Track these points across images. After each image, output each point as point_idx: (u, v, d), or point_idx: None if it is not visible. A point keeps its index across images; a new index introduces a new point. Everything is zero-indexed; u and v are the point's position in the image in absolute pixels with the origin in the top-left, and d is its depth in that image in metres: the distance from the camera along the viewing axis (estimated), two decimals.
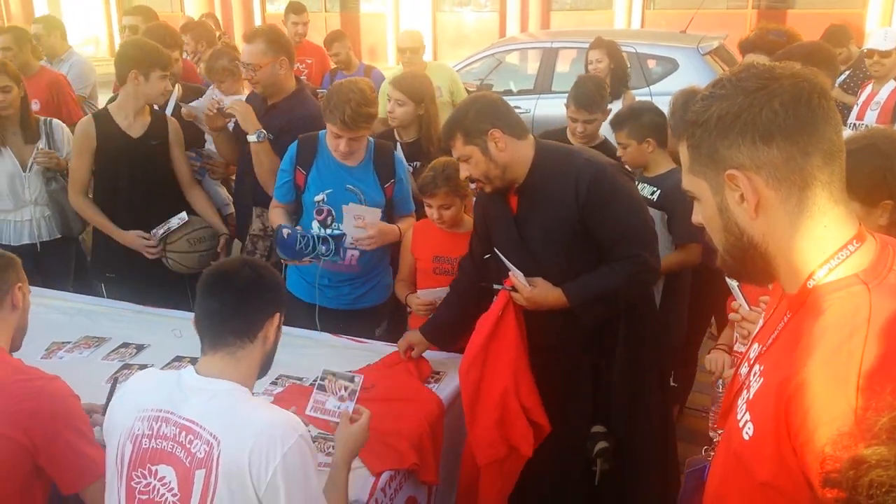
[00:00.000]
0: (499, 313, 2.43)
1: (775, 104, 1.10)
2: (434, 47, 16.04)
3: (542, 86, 7.47)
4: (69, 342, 2.95)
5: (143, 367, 2.74)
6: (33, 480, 1.95)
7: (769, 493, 1.11)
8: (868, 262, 1.10)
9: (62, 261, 3.84)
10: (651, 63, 7.10)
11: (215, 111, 3.49)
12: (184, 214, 3.45)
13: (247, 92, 4.62)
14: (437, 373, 2.70)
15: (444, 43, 16.29)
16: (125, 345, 2.94)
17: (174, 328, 3.05)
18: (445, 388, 2.57)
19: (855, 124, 4.74)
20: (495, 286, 2.50)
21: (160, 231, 3.40)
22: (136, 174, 3.50)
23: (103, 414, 2.18)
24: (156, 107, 3.65)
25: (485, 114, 2.45)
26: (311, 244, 2.92)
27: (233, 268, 1.79)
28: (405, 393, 2.47)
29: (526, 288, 2.42)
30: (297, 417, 1.72)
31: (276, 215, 3.19)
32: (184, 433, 1.64)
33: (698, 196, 1.22)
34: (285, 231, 2.95)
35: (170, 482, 1.63)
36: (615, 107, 4.05)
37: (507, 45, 8.86)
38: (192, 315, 3.08)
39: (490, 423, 2.39)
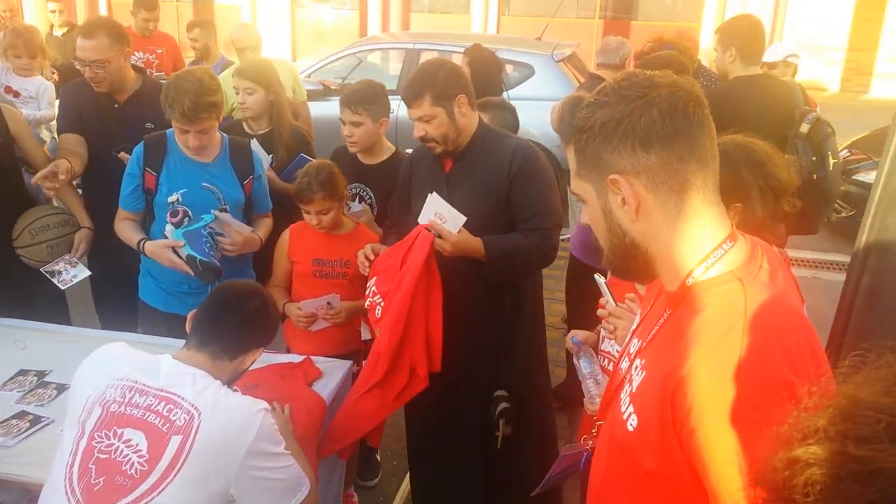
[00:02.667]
0: (423, 259, 2.44)
1: (654, 112, 1.16)
2: (293, 44, 15.73)
3: None
4: None
5: None
6: None
7: (653, 481, 1.17)
8: (741, 260, 1.18)
9: None
10: (509, 68, 7.31)
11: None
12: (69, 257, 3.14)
13: (39, 74, 4.35)
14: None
15: (302, 40, 15.99)
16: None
17: (17, 339, 2.82)
18: (325, 388, 2.54)
19: None
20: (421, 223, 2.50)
21: (71, 260, 3.12)
22: None
23: None
24: None
25: (454, 79, 2.59)
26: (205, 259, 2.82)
27: (248, 293, 1.99)
28: (290, 392, 2.41)
29: (453, 234, 2.45)
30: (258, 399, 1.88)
31: (128, 229, 2.97)
32: (163, 403, 1.76)
33: (584, 198, 1.27)
34: (191, 256, 2.79)
35: (137, 445, 1.73)
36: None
37: (368, 44, 8.83)
38: (38, 325, 2.89)
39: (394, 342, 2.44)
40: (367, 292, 2.59)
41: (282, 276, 3.03)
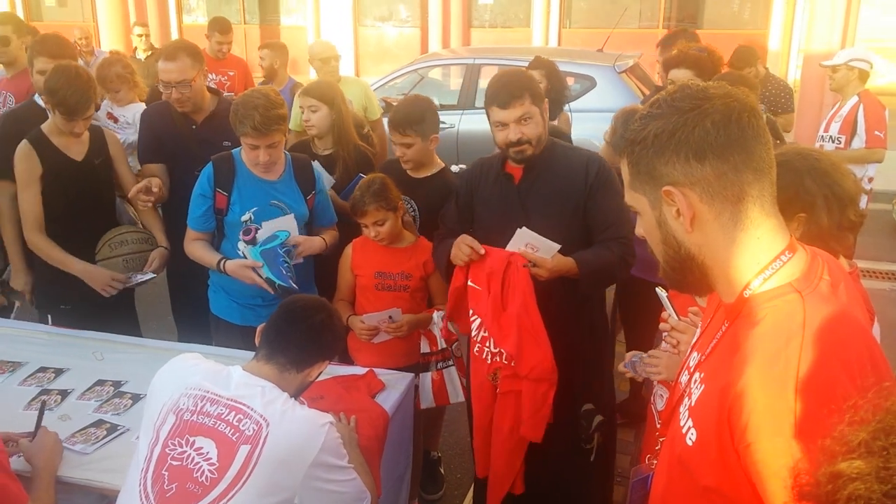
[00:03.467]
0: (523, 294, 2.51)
1: (707, 123, 1.15)
2: (356, 62, 16.01)
3: (466, 101, 7.56)
4: None
5: (62, 392, 2.63)
6: None
7: (712, 496, 1.15)
8: (800, 271, 1.16)
9: None
10: (570, 80, 7.29)
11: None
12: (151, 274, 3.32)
13: (138, 100, 4.51)
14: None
15: (365, 57, 16.27)
16: (42, 369, 2.81)
17: (94, 350, 2.95)
18: (388, 401, 2.57)
19: (822, 136, 5.19)
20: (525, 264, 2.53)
21: (144, 277, 3.28)
22: (79, 197, 3.28)
23: (32, 439, 2.20)
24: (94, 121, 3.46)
25: (539, 85, 2.75)
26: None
27: (314, 308, 2.05)
28: (354, 405, 2.45)
29: (548, 260, 2.50)
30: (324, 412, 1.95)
31: (202, 249, 3.06)
32: (232, 413, 1.82)
33: (639, 210, 1.27)
34: (269, 280, 2.89)
35: (208, 453, 1.79)
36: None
37: (429, 60, 8.93)
38: (115, 338, 3.02)
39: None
40: (473, 334, 2.68)
41: (346, 290, 3.09)
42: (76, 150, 3.27)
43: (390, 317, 2.90)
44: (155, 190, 3.28)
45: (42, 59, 3.50)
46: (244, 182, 3.01)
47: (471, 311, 2.65)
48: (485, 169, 2.80)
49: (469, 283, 2.63)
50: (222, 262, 2.97)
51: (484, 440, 2.72)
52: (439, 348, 2.96)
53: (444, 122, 7.85)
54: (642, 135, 1.20)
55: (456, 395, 3.00)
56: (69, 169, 3.23)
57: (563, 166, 2.69)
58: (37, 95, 3.50)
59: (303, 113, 3.52)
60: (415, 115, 3.15)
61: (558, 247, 2.50)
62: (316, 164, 3.31)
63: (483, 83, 7.66)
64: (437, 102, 8.22)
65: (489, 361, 2.61)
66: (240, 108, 2.85)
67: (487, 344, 2.60)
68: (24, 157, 3.17)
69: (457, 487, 3.58)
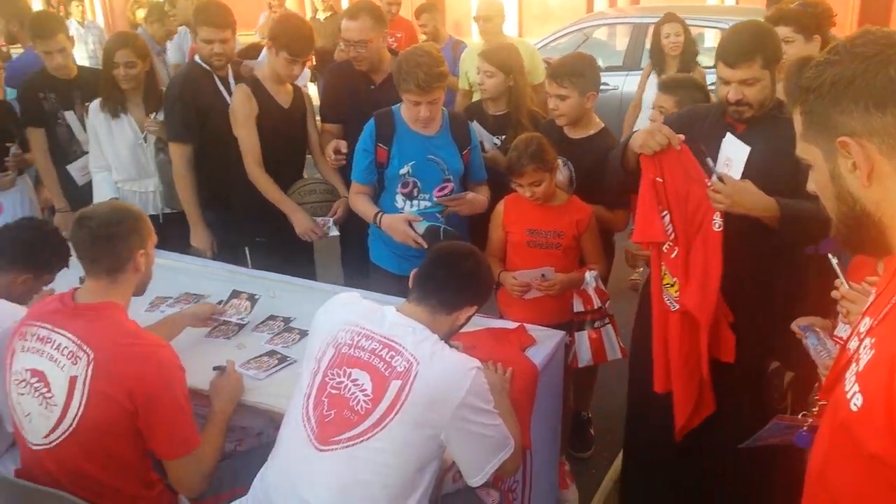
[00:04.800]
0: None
1: (891, 71, 1.08)
2: (519, 22, 15.86)
3: (632, 62, 7.31)
4: (171, 297, 3.11)
5: (239, 324, 2.88)
6: (135, 436, 2.06)
7: (877, 465, 1.09)
8: None
9: (180, 233, 3.78)
10: None
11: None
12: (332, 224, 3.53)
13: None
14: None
15: (529, 18, 16.06)
16: (220, 302, 3.07)
17: (268, 289, 3.18)
18: (537, 356, 2.60)
19: None
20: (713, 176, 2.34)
21: (328, 221, 3.50)
22: (279, 144, 3.53)
23: (221, 374, 2.41)
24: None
25: (779, 45, 2.51)
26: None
27: (464, 253, 2.12)
28: (505, 357, 2.50)
29: (735, 182, 2.31)
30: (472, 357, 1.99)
31: (364, 202, 3.21)
32: (385, 349, 1.92)
33: (811, 163, 1.21)
34: (433, 226, 3.00)
35: (363, 384, 1.90)
36: None
37: (595, 20, 8.70)
38: (287, 279, 3.25)
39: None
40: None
41: (496, 247, 3.13)
42: (283, 97, 3.53)
43: (543, 275, 2.92)
44: (344, 151, 3.48)
45: (206, 29, 3.59)
46: (403, 137, 3.12)
47: (660, 208, 2.45)
48: (699, 114, 2.62)
49: (657, 178, 2.43)
50: (379, 216, 3.11)
51: (661, 352, 2.57)
52: (595, 307, 2.94)
53: (606, 84, 7.67)
54: (818, 82, 1.14)
55: (614, 352, 2.98)
56: (277, 114, 3.50)
57: (786, 127, 2.48)
58: (197, 57, 3.69)
59: (478, 74, 3.55)
60: (574, 68, 3.10)
61: (748, 149, 2.29)
62: (476, 125, 3.37)
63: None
64: (601, 63, 8.05)
65: (671, 256, 2.45)
66: (403, 64, 2.93)
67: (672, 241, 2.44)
68: (245, 98, 3.44)
69: (606, 449, 3.58)
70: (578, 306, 2.96)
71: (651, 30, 7.33)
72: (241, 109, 3.45)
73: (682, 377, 2.50)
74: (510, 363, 2.46)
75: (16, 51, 6.05)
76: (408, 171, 3.10)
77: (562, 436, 3.05)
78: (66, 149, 4.00)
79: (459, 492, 2.18)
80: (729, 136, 2.36)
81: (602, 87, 7.78)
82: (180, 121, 3.57)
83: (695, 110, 2.70)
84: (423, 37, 6.22)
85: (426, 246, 2.98)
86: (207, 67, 3.60)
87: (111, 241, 2.13)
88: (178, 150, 3.62)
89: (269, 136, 3.49)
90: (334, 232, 3.50)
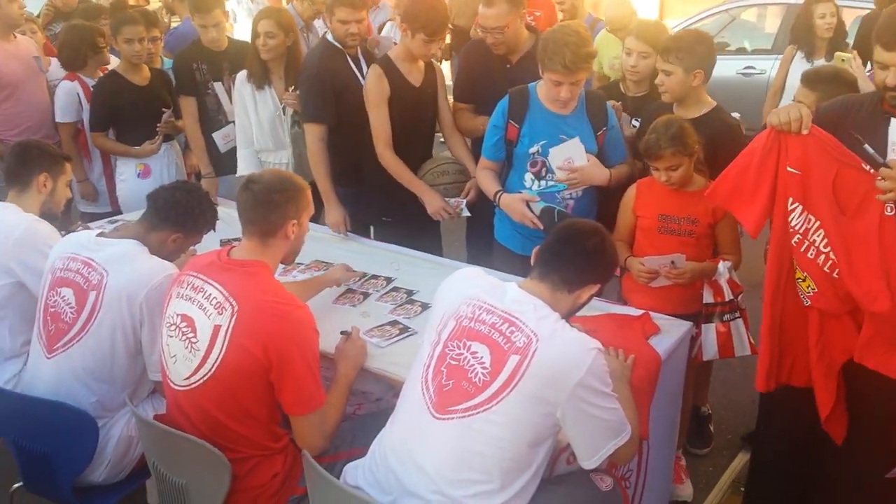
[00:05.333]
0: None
1: None
2: (661, 2, 15.30)
3: (783, 45, 6.89)
4: (302, 264, 3.24)
5: (364, 293, 2.99)
6: (267, 388, 2.16)
7: None
8: None
9: (315, 204, 3.86)
10: None
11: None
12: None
13: None
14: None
15: None
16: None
17: (393, 262, 3.27)
18: (661, 345, 2.53)
19: None
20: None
21: (461, 202, 3.47)
22: (411, 123, 3.53)
23: (346, 339, 2.52)
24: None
25: None
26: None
27: (589, 231, 2.09)
28: (627, 344, 2.45)
29: None
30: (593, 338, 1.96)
31: (488, 179, 3.20)
32: (506, 324, 1.93)
33: None
34: (548, 207, 2.98)
35: (482, 357, 1.92)
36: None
37: (743, 0, 8.27)
38: (412, 253, 3.32)
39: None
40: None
41: (624, 231, 3.05)
42: (415, 76, 3.53)
43: (672, 262, 2.82)
44: (481, 128, 3.41)
45: (344, 10, 3.59)
46: (536, 115, 3.08)
47: (790, 200, 2.28)
48: (853, 104, 2.45)
49: (788, 168, 2.27)
50: (498, 195, 3.10)
51: (771, 344, 2.40)
52: (726, 299, 2.81)
53: (752, 68, 7.30)
54: None
55: (743, 348, 2.84)
56: (408, 93, 3.51)
57: None
58: (329, 35, 3.70)
59: (629, 56, 3.43)
60: (683, 43, 2.97)
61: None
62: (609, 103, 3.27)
63: None
64: (747, 46, 7.69)
65: (811, 256, 2.27)
66: (549, 43, 2.87)
67: (812, 236, 2.25)
68: (377, 79, 3.46)
69: (725, 447, 3.45)
70: (708, 297, 2.83)
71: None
72: (374, 91, 3.47)
73: (820, 371, 2.34)
74: (632, 350, 2.40)
75: (175, 23, 6.45)
76: (537, 151, 3.06)
77: (680, 430, 2.98)
78: (212, 117, 4.23)
79: (573, 474, 2.15)
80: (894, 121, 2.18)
81: (747, 70, 7.47)
82: (317, 101, 3.59)
83: (849, 99, 2.51)
84: (561, 14, 6.11)
85: (541, 227, 2.95)
86: (339, 46, 3.64)
87: (268, 207, 2.23)
88: (312, 130, 3.62)
89: (400, 115, 3.51)
90: (466, 213, 3.49)
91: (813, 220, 2.24)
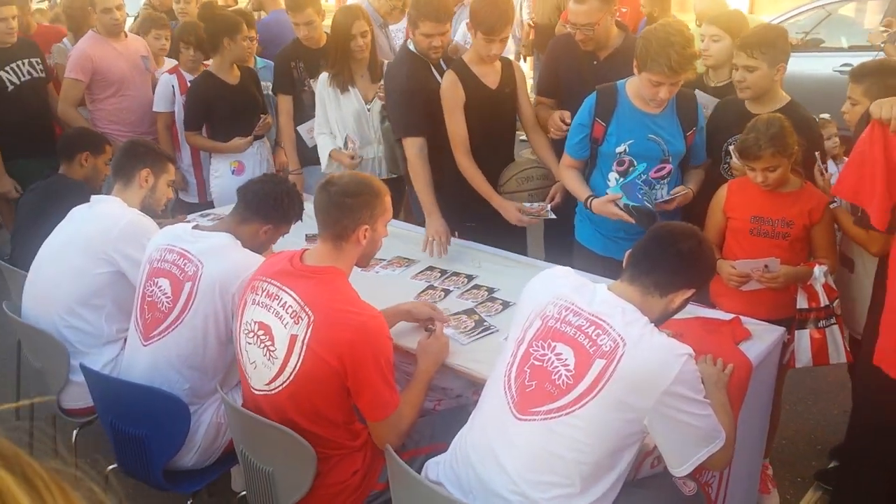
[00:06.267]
0: None
1: None
2: None
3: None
4: (385, 260, 3.28)
5: (445, 290, 2.99)
6: (343, 395, 2.18)
7: None
8: None
9: (396, 198, 3.78)
10: None
11: None
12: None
13: None
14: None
15: None
16: (430, 268, 3.22)
17: (474, 259, 3.28)
18: (752, 350, 2.45)
19: None
20: None
21: (546, 206, 3.38)
22: (490, 126, 3.46)
23: (429, 336, 2.50)
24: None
25: None
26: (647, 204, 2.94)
27: (684, 233, 2.03)
28: (717, 349, 2.37)
29: None
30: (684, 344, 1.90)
31: (575, 180, 3.12)
32: (592, 326, 1.89)
33: None
34: (640, 206, 2.93)
35: (566, 359, 1.88)
36: None
37: None
38: (493, 251, 3.30)
39: None
40: None
41: (713, 232, 2.95)
42: (492, 78, 3.45)
43: (766, 266, 2.71)
44: (568, 122, 3.30)
45: (428, 24, 3.49)
46: (624, 113, 3.01)
47: None
48: None
49: None
50: (590, 200, 3.03)
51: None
52: (821, 305, 2.69)
53: (850, 65, 6.96)
54: None
55: (838, 355, 2.72)
56: (485, 96, 3.43)
57: None
58: (410, 44, 3.62)
59: (702, 42, 3.36)
60: (766, 37, 2.90)
61: None
62: (700, 95, 3.18)
63: None
64: (845, 43, 7.36)
65: None
66: (653, 43, 2.77)
67: None
68: (451, 85, 3.40)
69: (815, 458, 3.32)
70: (802, 302, 2.72)
71: None
72: (449, 98, 3.41)
73: None
74: (722, 355, 2.32)
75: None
76: (625, 150, 2.99)
77: (769, 437, 2.88)
78: (308, 113, 4.30)
79: (655, 476, 2.11)
80: None
81: (844, 68, 7.14)
82: (411, 115, 3.50)
83: None
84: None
85: (634, 221, 2.89)
86: (421, 56, 3.57)
87: (341, 210, 2.22)
88: (412, 143, 3.48)
89: (478, 119, 3.44)
90: (552, 215, 3.40)
91: None
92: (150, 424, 2.44)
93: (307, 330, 2.12)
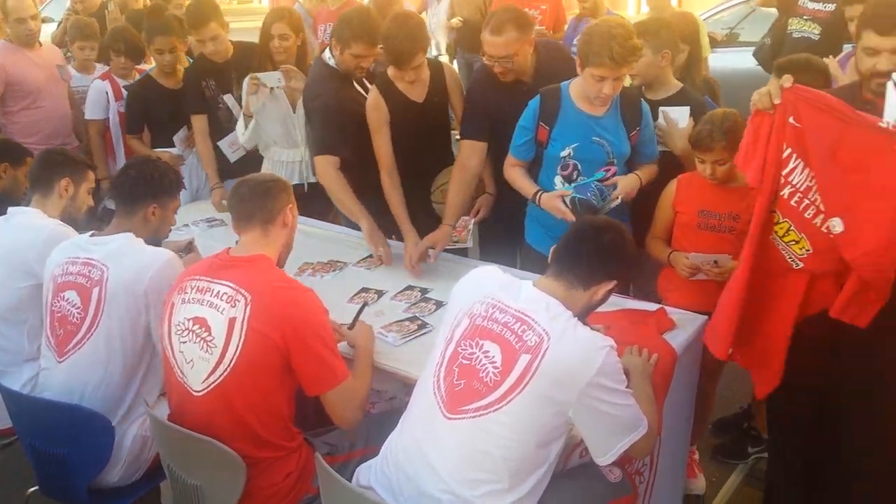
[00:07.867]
0: None
1: None
2: None
3: None
4: (320, 262, 3.25)
5: (379, 291, 2.97)
6: (285, 376, 2.17)
7: None
8: None
9: (324, 203, 3.70)
10: None
11: None
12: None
13: None
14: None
15: None
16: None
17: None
18: (676, 340, 2.49)
19: None
20: None
21: (469, 221, 3.31)
22: (421, 140, 3.38)
23: (350, 328, 2.52)
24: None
25: None
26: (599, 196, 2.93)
27: (604, 227, 2.07)
28: (641, 340, 2.40)
29: None
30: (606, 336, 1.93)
31: (521, 177, 3.07)
32: (518, 322, 1.91)
33: None
34: (575, 198, 2.92)
35: (493, 356, 1.90)
36: None
37: None
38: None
39: None
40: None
41: (662, 228, 2.99)
42: (418, 91, 3.35)
43: (716, 261, 2.76)
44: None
45: (360, 46, 3.38)
46: (568, 116, 2.95)
47: (785, 146, 2.22)
48: (842, 95, 2.35)
49: (790, 119, 2.21)
50: (539, 195, 2.96)
51: (738, 308, 2.38)
52: None
53: None
54: None
55: None
56: (411, 111, 3.30)
57: None
58: (327, 55, 3.52)
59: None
60: (649, 27, 3.04)
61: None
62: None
63: None
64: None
65: (808, 216, 2.23)
66: (594, 37, 2.74)
67: (813, 195, 2.21)
68: (374, 105, 3.31)
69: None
70: None
71: None
72: (373, 119, 3.32)
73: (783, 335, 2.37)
74: (647, 346, 2.36)
75: None
76: (569, 154, 2.94)
77: (700, 425, 2.95)
78: (225, 128, 4.15)
79: (582, 466, 2.14)
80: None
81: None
82: (335, 134, 3.40)
83: (838, 91, 2.46)
84: (575, 12, 6.00)
85: (574, 219, 2.86)
86: (341, 72, 3.46)
87: (265, 196, 2.31)
88: (328, 161, 3.38)
89: (406, 133, 3.34)
90: (469, 243, 3.30)
91: (813, 178, 2.20)
92: (71, 442, 2.35)
93: (245, 310, 2.12)
